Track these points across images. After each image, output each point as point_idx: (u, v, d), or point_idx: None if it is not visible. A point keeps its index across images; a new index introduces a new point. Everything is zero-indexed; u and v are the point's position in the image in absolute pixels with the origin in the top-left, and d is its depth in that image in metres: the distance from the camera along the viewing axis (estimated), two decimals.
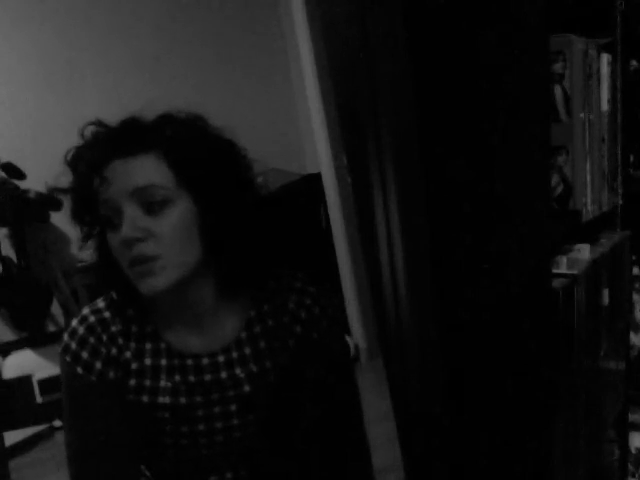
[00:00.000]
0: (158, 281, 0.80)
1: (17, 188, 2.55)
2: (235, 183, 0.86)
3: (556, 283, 0.83)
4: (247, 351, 0.90)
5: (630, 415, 1.25)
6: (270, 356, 0.90)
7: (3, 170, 2.53)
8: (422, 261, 0.62)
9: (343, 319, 0.97)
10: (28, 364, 2.47)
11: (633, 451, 1.27)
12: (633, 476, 1.28)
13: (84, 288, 2.58)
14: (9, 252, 2.64)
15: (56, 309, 2.75)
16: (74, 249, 2.68)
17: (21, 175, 2.55)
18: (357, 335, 3.11)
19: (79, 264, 2.59)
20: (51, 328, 2.77)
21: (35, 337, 2.60)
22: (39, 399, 2.42)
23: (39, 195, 2.50)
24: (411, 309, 0.65)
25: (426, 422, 0.69)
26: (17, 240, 2.63)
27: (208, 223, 0.83)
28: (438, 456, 0.70)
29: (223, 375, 0.89)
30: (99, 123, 0.85)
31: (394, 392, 0.72)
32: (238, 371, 0.89)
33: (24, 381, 2.43)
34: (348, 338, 3.07)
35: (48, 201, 2.43)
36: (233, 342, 0.90)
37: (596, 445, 1.11)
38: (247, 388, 0.89)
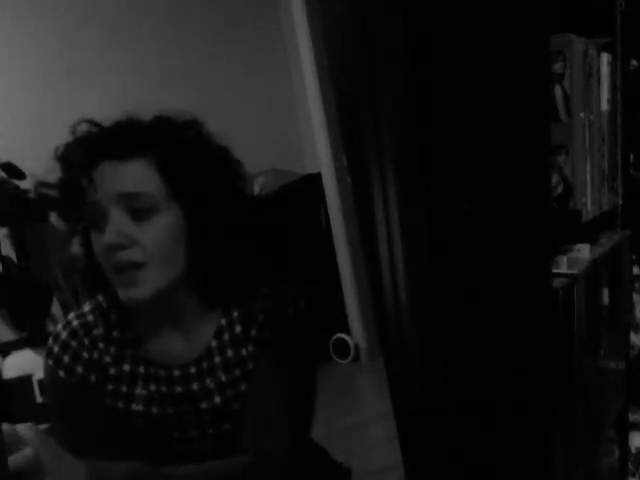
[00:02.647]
0: (139, 292, 0.78)
1: (17, 188, 2.55)
2: (226, 195, 0.83)
3: (556, 283, 0.83)
4: (217, 360, 0.87)
5: (630, 415, 1.25)
6: (238, 364, 0.87)
7: (3, 170, 2.53)
8: (422, 261, 0.62)
9: (313, 319, 0.90)
10: (28, 364, 2.47)
11: (633, 451, 1.27)
12: (633, 476, 1.28)
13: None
14: (9, 252, 2.63)
15: (56, 309, 2.74)
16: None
17: (21, 175, 2.54)
18: (357, 335, 3.11)
19: (79, 264, 2.59)
20: (51, 328, 2.77)
21: (35, 337, 2.59)
22: (39, 399, 2.41)
23: (39, 195, 2.49)
24: (411, 309, 0.65)
25: (426, 422, 0.69)
26: (17, 240, 2.63)
27: (195, 234, 0.81)
28: (438, 456, 0.70)
29: (194, 387, 0.87)
30: (92, 122, 0.82)
31: (394, 392, 0.72)
32: (208, 381, 0.87)
33: (24, 381, 2.42)
34: (347, 338, 3.07)
35: (48, 201, 2.43)
36: (204, 352, 0.87)
37: (596, 445, 1.11)
38: (217, 399, 0.87)
